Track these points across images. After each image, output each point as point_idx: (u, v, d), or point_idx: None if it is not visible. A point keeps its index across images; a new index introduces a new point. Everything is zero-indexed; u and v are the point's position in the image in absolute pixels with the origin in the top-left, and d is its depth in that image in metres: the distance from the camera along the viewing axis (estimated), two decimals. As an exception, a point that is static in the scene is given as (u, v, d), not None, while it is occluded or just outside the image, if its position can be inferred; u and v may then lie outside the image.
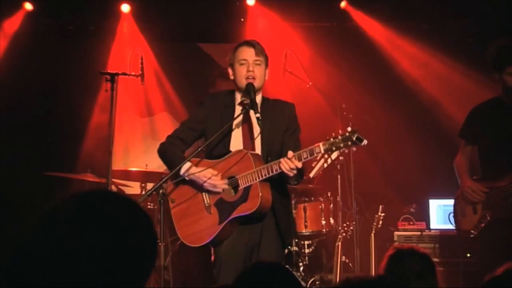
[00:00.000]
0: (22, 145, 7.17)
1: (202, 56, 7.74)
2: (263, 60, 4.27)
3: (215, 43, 7.71)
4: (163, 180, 4.04)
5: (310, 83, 6.25)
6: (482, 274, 2.29)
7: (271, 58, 4.40)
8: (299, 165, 3.91)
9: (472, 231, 5.01)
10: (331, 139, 3.81)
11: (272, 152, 4.19)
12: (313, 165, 4.01)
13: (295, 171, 3.94)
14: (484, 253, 5.03)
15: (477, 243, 5.12)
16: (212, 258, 4.28)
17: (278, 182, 4.15)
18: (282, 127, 4.25)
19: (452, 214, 5.21)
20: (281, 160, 3.93)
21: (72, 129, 7.28)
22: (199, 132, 4.32)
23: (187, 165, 4.15)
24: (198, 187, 4.21)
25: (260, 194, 4.03)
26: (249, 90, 4.18)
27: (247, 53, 4.25)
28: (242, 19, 7.46)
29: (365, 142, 3.75)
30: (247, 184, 4.06)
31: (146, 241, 1.57)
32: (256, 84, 4.21)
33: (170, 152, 4.27)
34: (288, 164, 3.90)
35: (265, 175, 4.00)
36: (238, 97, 4.31)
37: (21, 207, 6.89)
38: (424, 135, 7.21)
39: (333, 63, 7.26)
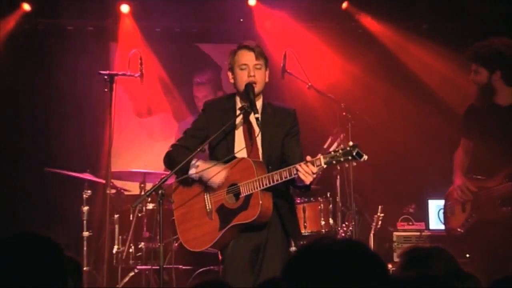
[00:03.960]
0: (22, 144, 7.19)
1: (201, 56, 7.74)
2: (263, 63, 4.25)
3: (215, 43, 7.70)
4: (163, 180, 4.03)
5: (310, 84, 6.23)
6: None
7: (271, 59, 4.39)
8: (315, 169, 3.85)
9: (459, 229, 5.02)
10: (332, 152, 3.84)
11: (272, 159, 4.19)
12: None
13: (311, 177, 3.87)
14: (471, 253, 5.07)
15: (465, 243, 5.14)
16: (220, 257, 4.30)
17: (281, 185, 4.12)
18: (282, 133, 4.24)
19: (442, 211, 5.23)
20: (297, 165, 3.87)
21: (71, 129, 7.27)
22: (202, 139, 4.27)
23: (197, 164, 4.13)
24: (202, 188, 4.21)
25: (261, 202, 4.02)
26: (248, 91, 4.16)
27: (247, 58, 4.22)
28: (241, 20, 7.45)
29: (365, 157, 3.77)
30: (249, 192, 4.06)
31: None
32: (257, 88, 4.19)
33: (178, 158, 4.20)
34: (304, 168, 3.84)
35: (266, 184, 4.00)
36: (239, 101, 4.30)
37: (22, 203, 6.97)
38: (424, 135, 7.21)
39: (333, 63, 7.26)
